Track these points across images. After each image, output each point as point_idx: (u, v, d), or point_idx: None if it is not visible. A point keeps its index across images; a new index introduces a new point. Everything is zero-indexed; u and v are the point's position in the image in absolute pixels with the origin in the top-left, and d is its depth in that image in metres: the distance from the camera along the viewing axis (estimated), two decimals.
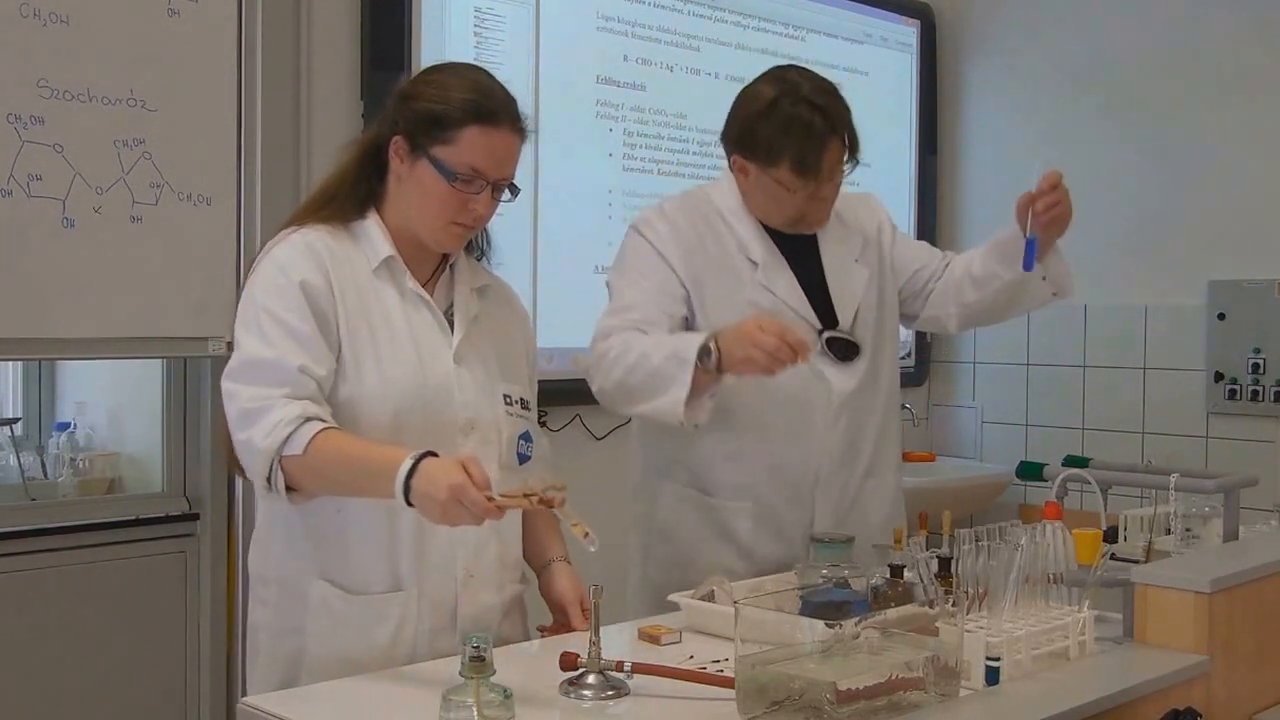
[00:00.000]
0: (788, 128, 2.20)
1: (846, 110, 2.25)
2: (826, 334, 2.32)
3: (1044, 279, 2.32)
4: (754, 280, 2.30)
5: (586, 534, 1.65)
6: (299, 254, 1.83)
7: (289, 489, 1.74)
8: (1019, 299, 2.38)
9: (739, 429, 2.28)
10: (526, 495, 1.67)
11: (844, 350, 2.33)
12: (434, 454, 1.67)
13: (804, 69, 2.31)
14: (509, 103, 1.88)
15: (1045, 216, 2.20)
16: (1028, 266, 2.24)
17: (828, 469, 2.31)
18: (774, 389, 2.18)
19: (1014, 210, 2.27)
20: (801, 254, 2.35)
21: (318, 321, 1.80)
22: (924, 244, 2.55)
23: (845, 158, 2.25)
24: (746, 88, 2.32)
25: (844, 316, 2.34)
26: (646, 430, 2.40)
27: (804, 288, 2.32)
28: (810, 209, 2.28)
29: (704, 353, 2.05)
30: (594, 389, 2.22)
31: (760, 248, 2.31)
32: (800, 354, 2.02)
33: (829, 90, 2.25)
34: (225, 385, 1.79)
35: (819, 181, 2.23)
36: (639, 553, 2.41)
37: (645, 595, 2.36)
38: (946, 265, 2.47)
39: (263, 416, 1.72)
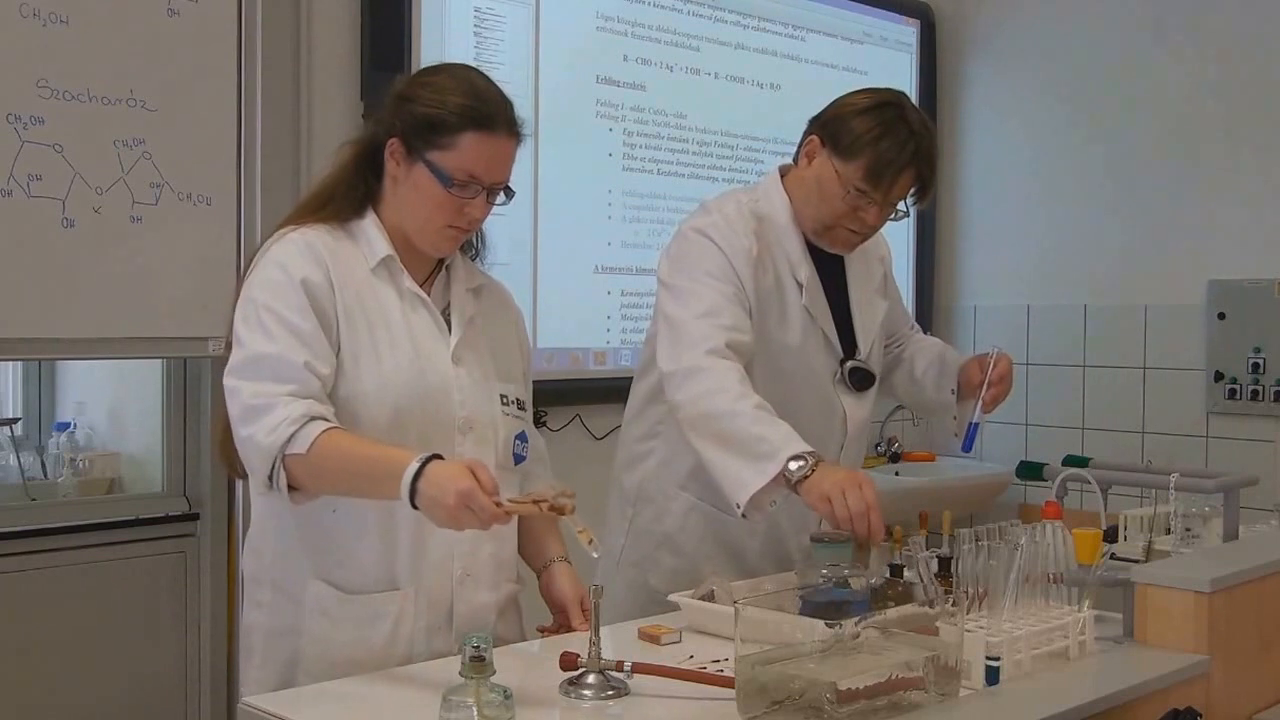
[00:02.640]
0: (883, 134, 2.18)
1: (935, 157, 2.24)
2: (849, 364, 2.32)
3: (955, 418, 2.40)
4: (798, 302, 2.28)
5: (591, 540, 1.65)
6: (299, 252, 1.83)
7: (291, 488, 1.73)
8: (927, 413, 2.45)
9: None
10: (536, 501, 1.67)
11: (861, 380, 2.33)
12: (439, 456, 1.67)
13: (918, 108, 2.31)
14: (505, 107, 1.87)
15: (992, 406, 2.29)
16: (967, 448, 2.32)
17: None
18: (794, 419, 2.13)
19: (959, 377, 2.36)
20: (832, 277, 2.34)
21: (319, 319, 1.80)
22: (902, 304, 2.60)
23: (908, 199, 2.25)
24: (864, 88, 2.31)
25: (864, 346, 2.35)
26: (671, 438, 2.33)
27: (832, 312, 2.32)
28: (845, 223, 2.24)
29: (798, 463, 1.99)
30: (674, 396, 2.15)
31: (805, 267, 2.29)
32: (869, 538, 1.97)
33: (931, 132, 2.25)
34: (228, 382, 1.78)
35: (878, 199, 2.20)
36: (642, 561, 2.38)
37: (644, 604, 2.35)
38: (908, 338, 2.53)
39: (266, 414, 1.72)
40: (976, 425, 2.29)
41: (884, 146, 2.17)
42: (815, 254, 2.31)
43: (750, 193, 2.37)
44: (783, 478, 2.00)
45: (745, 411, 2.05)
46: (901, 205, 2.26)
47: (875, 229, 2.29)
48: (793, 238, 2.29)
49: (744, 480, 2.02)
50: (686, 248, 2.26)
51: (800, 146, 2.30)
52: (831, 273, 2.34)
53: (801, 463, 1.99)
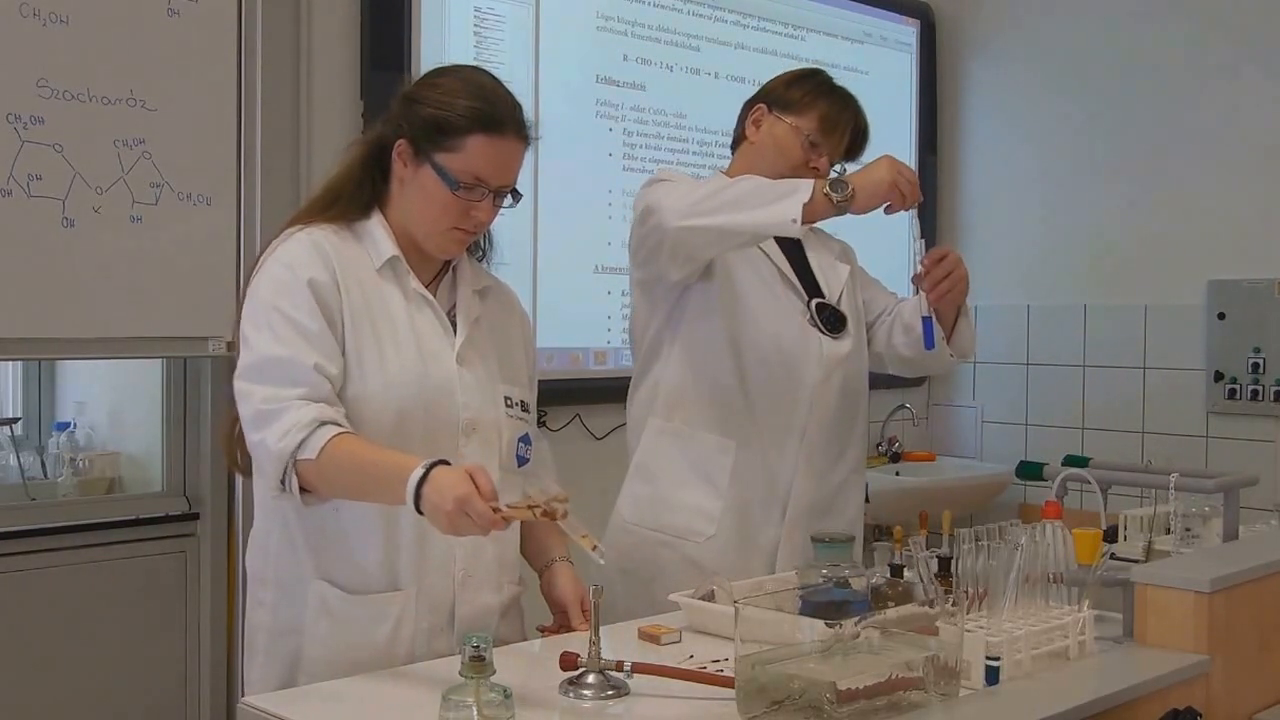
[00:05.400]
0: (822, 94, 2.39)
1: (866, 119, 2.44)
2: (815, 301, 2.38)
3: (949, 345, 2.40)
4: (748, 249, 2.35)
5: (595, 547, 1.65)
6: (306, 252, 1.83)
7: (303, 490, 1.74)
8: (924, 359, 2.44)
9: (731, 372, 2.32)
10: (530, 507, 1.67)
11: (831, 321, 2.38)
12: (445, 462, 1.67)
13: None
14: (514, 110, 1.87)
15: (934, 294, 2.30)
16: (928, 345, 2.34)
17: (815, 430, 2.34)
18: (770, 339, 2.27)
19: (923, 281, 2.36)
20: (787, 242, 2.41)
21: (326, 320, 1.80)
22: (883, 287, 2.62)
23: (844, 153, 2.40)
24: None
25: (829, 293, 2.41)
26: (642, 367, 2.41)
27: (791, 265, 2.40)
28: (803, 173, 2.33)
29: (837, 184, 2.09)
30: (665, 204, 2.17)
31: None
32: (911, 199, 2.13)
33: (855, 98, 2.45)
34: (238, 385, 1.78)
35: (826, 147, 2.35)
36: (622, 497, 2.42)
37: (615, 533, 2.36)
38: (898, 303, 2.55)
39: (278, 419, 1.72)
40: (928, 319, 2.32)
41: (828, 103, 2.38)
42: None
43: None
44: (820, 202, 2.08)
45: (741, 180, 2.18)
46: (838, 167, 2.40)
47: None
48: None
49: (795, 201, 2.07)
50: (654, 184, 2.33)
51: (743, 121, 2.44)
52: (789, 241, 2.40)
53: (842, 180, 2.10)
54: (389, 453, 1.74)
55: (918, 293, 2.34)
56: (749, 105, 2.44)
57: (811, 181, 2.10)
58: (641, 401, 2.41)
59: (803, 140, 2.35)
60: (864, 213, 2.13)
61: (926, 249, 2.31)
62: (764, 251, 2.36)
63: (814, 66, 2.51)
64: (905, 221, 2.29)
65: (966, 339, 2.42)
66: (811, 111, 2.36)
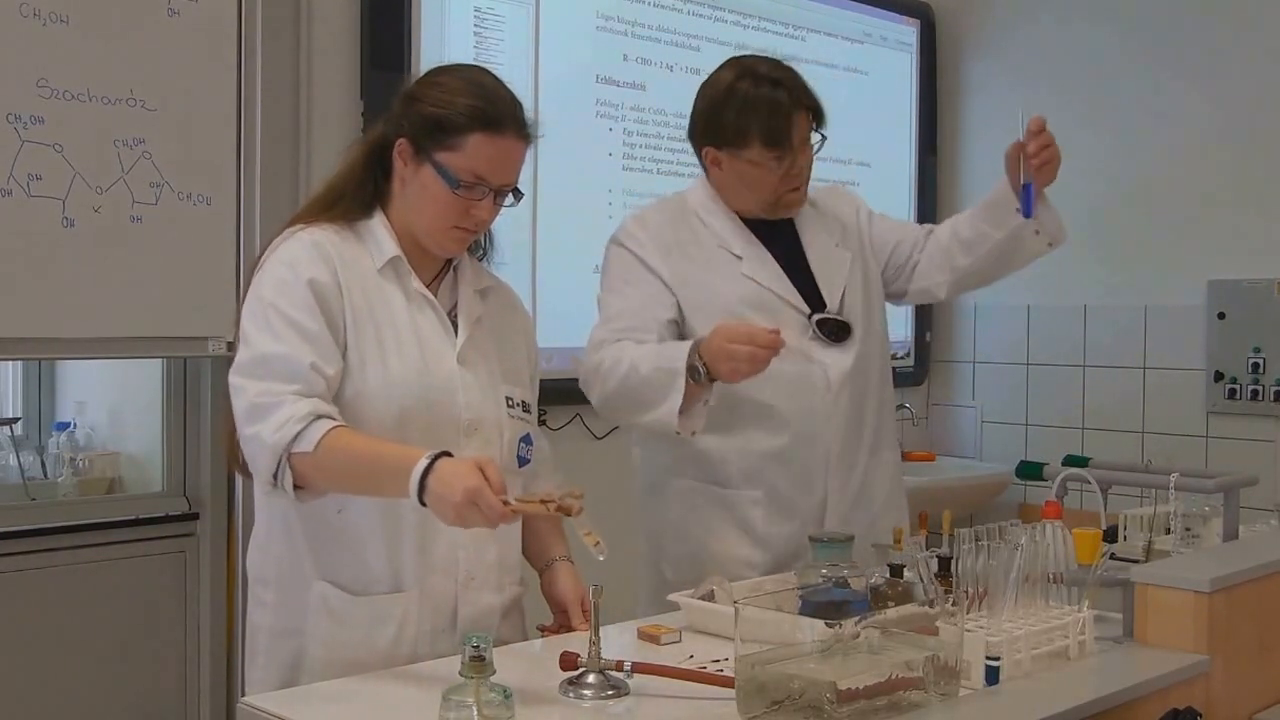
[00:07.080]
0: (752, 106, 2.24)
1: (805, 84, 2.29)
2: (816, 317, 2.34)
3: (1037, 232, 2.34)
4: (737, 273, 2.32)
5: (597, 543, 1.65)
6: (307, 252, 1.83)
7: (296, 486, 1.73)
8: (1012, 255, 2.38)
9: (743, 419, 2.30)
10: (544, 501, 1.66)
11: (835, 331, 2.34)
12: (449, 454, 1.67)
13: (759, 55, 2.35)
14: (515, 108, 1.87)
15: (1037, 160, 2.25)
16: (1027, 213, 2.28)
17: (836, 450, 2.32)
18: (772, 377, 2.21)
19: (1004, 162, 2.31)
20: (782, 242, 2.38)
21: (326, 320, 1.80)
22: (902, 220, 2.57)
23: (812, 129, 2.30)
24: (705, 80, 2.36)
25: (831, 298, 2.36)
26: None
27: (788, 274, 2.35)
28: (785, 187, 2.30)
29: (693, 371, 2.08)
30: (592, 400, 2.26)
31: (740, 240, 2.35)
32: (775, 345, 2.04)
33: (786, 68, 2.30)
34: (233, 380, 1.78)
35: (790, 155, 2.26)
36: (653, 554, 2.41)
37: (662, 596, 2.36)
38: (929, 234, 2.49)
39: (272, 412, 1.72)
40: (1029, 185, 2.26)
41: (760, 114, 2.23)
42: (764, 226, 2.36)
43: (679, 191, 2.47)
44: (693, 385, 2.09)
45: (635, 367, 2.15)
46: (815, 136, 2.31)
47: (809, 172, 2.33)
48: (721, 219, 2.35)
49: (668, 409, 2.10)
50: (605, 262, 2.38)
51: (701, 162, 2.36)
52: (785, 240, 2.37)
53: (694, 366, 2.08)
54: (390, 444, 1.74)
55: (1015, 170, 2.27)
56: (696, 147, 2.35)
57: (681, 377, 2.07)
58: (660, 464, 2.39)
59: (768, 165, 2.26)
60: (739, 376, 2.07)
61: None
62: (756, 281, 2.31)
63: (730, 64, 2.32)
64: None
65: (1055, 222, 2.35)
66: (752, 139, 2.23)
